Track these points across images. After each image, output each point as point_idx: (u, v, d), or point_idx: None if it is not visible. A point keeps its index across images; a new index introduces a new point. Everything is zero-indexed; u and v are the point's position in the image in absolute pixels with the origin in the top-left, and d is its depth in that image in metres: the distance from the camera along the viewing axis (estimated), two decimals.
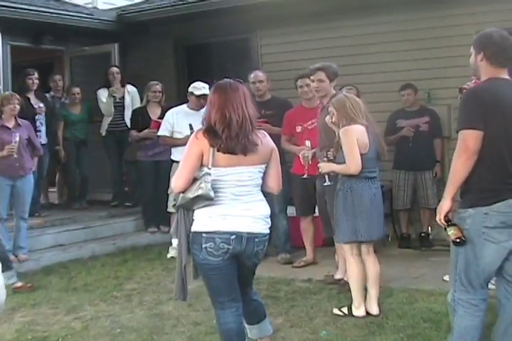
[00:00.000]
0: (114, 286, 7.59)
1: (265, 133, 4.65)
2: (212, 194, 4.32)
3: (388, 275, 7.19)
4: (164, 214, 9.46)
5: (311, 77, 7.19)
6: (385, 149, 6.36)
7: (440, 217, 4.24)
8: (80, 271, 8.35)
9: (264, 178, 4.62)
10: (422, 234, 9.31)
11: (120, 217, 10.59)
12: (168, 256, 8.95)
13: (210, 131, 4.40)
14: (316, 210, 8.14)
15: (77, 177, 11.15)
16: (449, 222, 4.23)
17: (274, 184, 4.72)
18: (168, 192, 9.00)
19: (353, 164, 5.99)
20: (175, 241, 9.11)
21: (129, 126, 10.57)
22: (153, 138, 9.61)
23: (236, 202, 4.45)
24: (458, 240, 4.22)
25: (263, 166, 4.56)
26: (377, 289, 6.25)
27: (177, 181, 4.47)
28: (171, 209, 9.02)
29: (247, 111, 4.42)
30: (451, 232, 4.23)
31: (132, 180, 11.15)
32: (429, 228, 9.34)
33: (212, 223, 4.40)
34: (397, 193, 9.29)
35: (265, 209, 4.61)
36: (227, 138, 4.34)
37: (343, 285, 6.85)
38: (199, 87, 8.92)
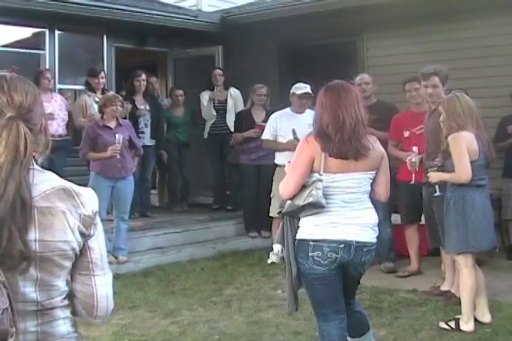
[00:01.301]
0: (212, 291, 7.49)
1: (375, 138, 4.44)
2: (324, 202, 4.15)
3: (496, 288, 6.92)
4: (265, 219, 9.36)
5: (425, 82, 6.95)
6: (494, 156, 6.08)
7: None
8: (178, 275, 8.30)
9: (372, 185, 4.42)
10: None
11: (221, 221, 10.51)
12: (269, 261, 8.78)
13: (321, 135, 4.22)
14: (422, 218, 7.90)
15: (179, 180, 11.14)
16: None
17: (383, 191, 4.53)
18: (271, 196, 8.91)
19: (463, 172, 5.75)
20: (276, 247, 8.97)
21: (231, 129, 10.52)
22: (256, 142, 9.49)
23: (345, 210, 4.26)
24: None
25: (373, 172, 4.37)
26: (486, 298, 6.03)
27: (286, 187, 4.32)
28: (273, 213, 8.92)
29: (360, 114, 4.23)
30: None
31: (234, 183, 11.08)
32: None
33: (320, 231, 4.23)
34: (507, 202, 8.93)
35: (374, 218, 4.41)
36: (340, 142, 4.15)
37: (450, 298, 6.64)
38: (301, 87, 8.84)
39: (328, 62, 11.44)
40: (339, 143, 4.16)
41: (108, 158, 8.11)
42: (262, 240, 9.96)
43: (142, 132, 10.07)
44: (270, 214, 9.03)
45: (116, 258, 8.38)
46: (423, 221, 7.91)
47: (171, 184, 11.42)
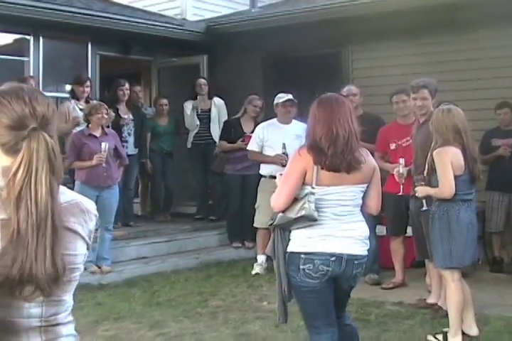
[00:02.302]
0: (198, 303, 7.43)
1: (367, 151, 4.43)
2: (316, 215, 4.13)
3: (482, 301, 6.88)
4: (249, 230, 9.37)
5: (414, 95, 6.95)
6: (480, 173, 6.04)
7: None
8: (163, 285, 8.23)
9: (363, 198, 4.40)
10: None
11: (204, 231, 10.48)
12: (253, 272, 8.81)
13: (314, 148, 4.19)
14: (408, 230, 7.91)
15: (162, 190, 11.09)
16: None
17: (374, 204, 4.53)
18: (255, 207, 8.90)
19: (446, 188, 5.73)
20: (260, 258, 8.99)
21: (215, 138, 10.50)
22: (243, 152, 9.44)
23: (336, 223, 4.24)
24: None
25: (365, 185, 4.35)
26: (472, 310, 5.99)
27: (278, 200, 4.30)
28: (257, 224, 8.92)
29: (353, 127, 4.22)
30: None
31: (217, 193, 11.04)
32: None
33: (312, 244, 4.20)
34: (491, 215, 8.97)
35: (365, 231, 4.40)
36: (333, 154, 4.13)
37: (437, 311, 6.63)
38: (282, 96, 8.92)
39: (313, 74, 11.43)
40: (332, 156, 4.14)
41: (94, 166, 8.06)
42: (245, 251, 9.95)
43: (125, 141, 10.03)
44: (254, 225, 9.03)
45: (99, 268, 8.32)
46: (408, 233, 7.92)
47: (154, 193, 11.36)
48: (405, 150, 7.66)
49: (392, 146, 7.90)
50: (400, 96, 7.92)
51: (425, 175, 6.05)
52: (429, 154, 5.93)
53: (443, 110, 5.91)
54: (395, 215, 7.89)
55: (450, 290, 5.90)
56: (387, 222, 8.22)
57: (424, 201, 6.27)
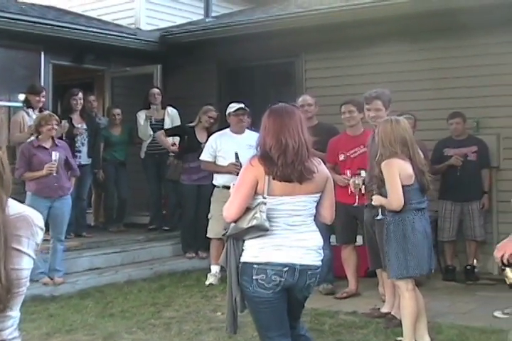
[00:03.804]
0: (152, 314, 7.36)
1: (320, 160, 4.44)
2: (267, 224, 4.11)
3: (435, 309, 6.96)
4: (203, 240, 9.34)
5: (367, 106, 6.96)
6: (429, 184, 6.04)
7: (505, 256, 3.96)
8: (116, 296, 8.15)
9: (317, 207, 4.40)
10: (468, 267, 9.04)
11: (158, 241, 10.41)
12: (207, 282, 8.77)
13: (265, 158, 4.19)
14: (358, 239, 7.95)
15: (115, 200, 11.00)
16: (508, 262, 3.97)
17: (328, 214, 4.53)
18: (209, 217, 8.88)
19: (394, 200, 5.77)
20: (214, 268, 8.96)
21: (168, 149, 10.46)
22: (198, 162, 9.29)
23: (289, 233, 4.22)
24: None
25: (318, 195, 4.35)
26: (425, 320, 6.00)
27: (230, 210, 4.27)
28: (210, 234, 8.90)
29: (304, 137, 4.22)
30: None
31: (171, 203, 10.98)
32: (475, 261, 9.08)
33: (265, 254, 4.18)
34: (443, 224, 9.05)
35: (319, 241, 4.39)
36: (283, 165, 4.13)
37: (391, 320, 6.64)
38: (234, 105, 8.94)
39: (268, 83, 11.48)
40: (282, 166, 4.13)
41: (44, 176, 7.98)
42: (199, 261, 9.90)
43: (79, 151, 9.96)
44: (208, 235, 9.01)
45: (52, 279, 8.22)
46: (359, 242, 7.96)
47: (107, 203, 11.26)
48: (353, 161, 7.74)
49: (341, 157, 7.94)
50: (348, 106, 7.97)
51: (375, 187, 6.06)
52: (376, 166, 5.97)
53: (391, 121, 5.91)
54: (343, 224, 7.90)
55: (404, 300, 5.91)
56: (336, 230, 8.22)
57: (379, 210, 6.29)
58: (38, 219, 2.17)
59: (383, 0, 9.50)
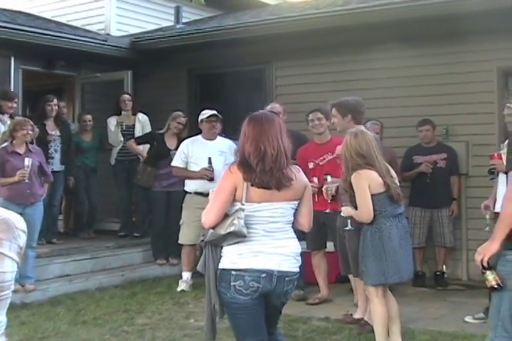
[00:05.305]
0: (124, 321, 7.31)
1: (299, 168, 4.47)
2: (245, 231, 4.13)
3: (406, 315, 6.97)
4: (174, 246, 9.32)
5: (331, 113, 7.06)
6: (399, 193, 6.04)
7: (484, 259, 4.01)
8: (88, 303, 8.10)
9: (295, 215, 4.43)
10: (437, 273, 9.15)
11: (128, 248, 10.36)
12: (179, 289, 8.75)
13: (244, 165, 4.21)
14: (328, 245, 8.01)
15: (85, 206, 10.94)
16: (488, 265, 4.03)
17: (306, 221, 4.56)
18: (180, 224, 8.88)
19: (364, 212, 5.82)
20: (185, 275, 8.96)
21: (138, 155, 10.44)
22: (168, 168, 9.34)
23: (267, 239, 4.24)
24: (496, 286, 4.01)
25: (296, 202, 4.37)
26: (399, 325, 6.03)
27: (208, 216, 4.27)
28: (182, 241, 8.89)
29: (283, 145, 4.26)
30: (492, 277, 4.02)
31: (141, 209, 10.94)
32: (444, 267, 9.18)
33: (242, 260, 4.19)
34: (413, 230, 9.06)
35: (296, 247, 4.43)
36: (262, 172, 4.15)
37: (363, 326, 6.66)
38: (207, 112, 8.95)
39: (238, 90, 11.50)
40: (261, 173, 4.15)
41: (17, 182, 7.93)
42: (170, 268, 9.89)
43: (52, 157, 9.88)
44: (179, 242, 8.99)
45: (22, 286, 8.15)
46: (329, 248, 8.00)
47: (78, 210, 11.19)
48: (322, 168, 7.81)
49: (311, 165, 7.97)
50: (316, 113, 8.03)
51: (348, 200, 6.09)
52: (343, 180, 6.03)
53: (352, 134, 5.94)
54: (314, 230, 7.88)
55: (374, 305, 5.96)
56: (306, 237, 8.25)
57: (348, 221, 6.33)
58: (19, 222, 2.18)
59: (353, 8, 9.60)
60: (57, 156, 10.09)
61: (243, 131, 4.33)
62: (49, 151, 9.80)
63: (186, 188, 8.89)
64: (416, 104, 9.53)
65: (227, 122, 9.17)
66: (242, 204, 4.16)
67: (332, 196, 7.23)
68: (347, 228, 6.40)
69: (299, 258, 4.43)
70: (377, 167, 5.83)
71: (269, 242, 4.25)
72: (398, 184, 6.03)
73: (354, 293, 7.45)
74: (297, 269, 4.39)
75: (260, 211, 4.21)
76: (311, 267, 8.28)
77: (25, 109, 11.52)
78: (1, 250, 2.07)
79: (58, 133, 10.13)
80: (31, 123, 8.29)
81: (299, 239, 7.96)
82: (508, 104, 6.93)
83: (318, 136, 8.12)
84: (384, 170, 5.88)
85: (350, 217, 6.17)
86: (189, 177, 8.84)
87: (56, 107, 10.10)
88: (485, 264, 4.02)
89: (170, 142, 9.78)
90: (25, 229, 2.21)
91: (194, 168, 8.76)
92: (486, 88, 9.12)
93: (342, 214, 6.23)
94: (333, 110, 6.95)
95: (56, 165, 9.97)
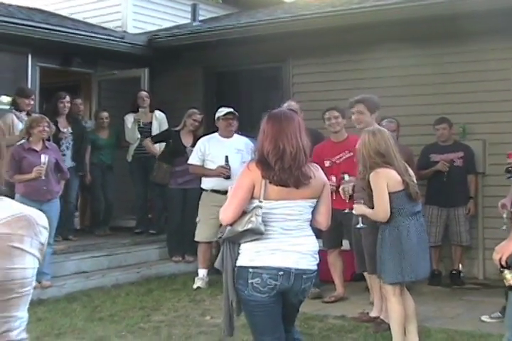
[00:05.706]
0: (140, 317, 7.33)
1: (318, 166, 4.47)
2: (263, 228, 4.14)
3: (422, 314, 6.94)
4: (190, 243, 9.33)
5: (352, 110, 7.01)
6: (416, 191, 6.05)
7: (503, 258, 4.00)
8: (104, 300, 8.11)
9: (313, 213, 4.42)
10: (453, 272, 9.11)
11: (144, 245, 10.39)
12: (195, 286, 8.76)
13: (262, 162, 4.21)
14: (344, 244, 8.02)
15: (101, 203, 10.96)
16: (506, 264, 4.02)
17: (323, 220, 4.56)
18: (197, 221, 8.88)
19: (380, 212, 5.79)
20: (201, 272, 8.96)
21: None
22: (184, 166, 9.36)
23: (285, 237, 4.24)
24: None
25: (314, 200, 4.37)
26: (415, 324, 6.02)
27: (226, 213, 4.28)
28: (198, 238, 8.90)
29: (302, 143, 4.25)
30: (510, 276, 4.00)
31: (157, 206, 10.96)
32: (460, 265, 9.14)
33: (260, 258, 4.20)
34: (429, 229, 8.99)
35: (314, 245, 4.43)
36: (280, 169, 4.15)
37: (379, 324, 6.65)
38: (223, 110, 8.94)
39: (254, 88, 11.50)
40: (279, 171, 4.15)
41: (33, 179, 7.96)
42: (185, 265, 9.90)
43: (63, 154, 9.85)
44: (195, 239, 9.00)
45: (39, 283, 8.17)
46: (345, 246, 7.99)
47: (94, 207, 11.23)
48: (339, 166, 7.78)
49: (327, 164, 7.92)
50: (332, 112, 8.01)
51: (367, 198, 6.06)
52: (359, 179, 6.02)
53: (369, 133, 5.93)
54: (330, 228, 7.88)
55: (390, 304, 5.95)
56: (323, 235, 8.24)
57: (360, 218, 6.32)
58: (40, 218, 2.17)
59: (371, 6, 9.56)
60: (69, 153, 10.11)
61: (262, 129, 4.33)
62: (60, 148, 9.78)
63: (203, 186, 8.90)
64: (433, 102, 9.50)
65: (243, 120, 9.18)
66: (260, 202, 4.16)
67: (349, 195, 7.21)
68: (358, 226, 6.40)
69: (317, 256, 4.43)
70: (396, 165, 5.81)
71: (286, 240, 4.25)
72: (416, 182, 6.02)
73: (370, 292, 7.44)
74: (315, 267, 4.39)
75: (278, 208, 4.21)
76: (326, 265, 8.25)
77: (42, 106, 11.54)
78: (22, 246, 2.06)
79: (70, 130, 10.14)
80: (47, 120, 8.32)
81: (315, 237, 8.04)
82: None
83: (335, 135, 8.10)
84: (402, 168, 5.87)
85: (362, 215, 6.16)
86: (206, 175, 8.84)
87: (68, 104, 10.11)
88: (503, 263, 4.00)
89: (186, 139, 9.79)
90: (47, 226, 2.21)
91: (211, 165, 8.76)
92: (503, 86, 9.05)
93: (354, 212, 6.21)
94: (361, 106, 6.90)
95: (67, 161, 9.94)
